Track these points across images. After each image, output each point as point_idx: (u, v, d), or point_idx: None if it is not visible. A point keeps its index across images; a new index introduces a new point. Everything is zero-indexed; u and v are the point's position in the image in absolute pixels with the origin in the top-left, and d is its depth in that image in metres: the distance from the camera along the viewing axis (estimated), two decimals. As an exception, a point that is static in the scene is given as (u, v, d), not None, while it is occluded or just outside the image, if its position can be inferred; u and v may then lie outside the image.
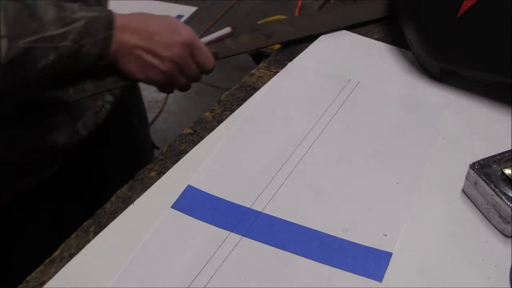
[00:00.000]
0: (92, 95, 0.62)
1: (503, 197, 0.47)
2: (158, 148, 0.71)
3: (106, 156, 0.75)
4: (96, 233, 0.50)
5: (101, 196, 0.56)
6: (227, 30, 0.67)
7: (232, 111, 0.63)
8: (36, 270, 0.48)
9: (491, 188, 0.48)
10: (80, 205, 0.63)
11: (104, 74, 0.61)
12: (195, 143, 0.59)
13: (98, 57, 0.57)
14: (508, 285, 0.44)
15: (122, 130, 0.78)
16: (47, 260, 0.49)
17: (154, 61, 0.60)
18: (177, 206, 0.52)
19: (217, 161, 0.57)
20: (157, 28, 0.60)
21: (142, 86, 0.75)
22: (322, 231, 0.49)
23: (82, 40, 0.55)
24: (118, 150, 0.77)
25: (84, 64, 0.57)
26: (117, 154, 0.77)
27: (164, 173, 0.56)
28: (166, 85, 0.64)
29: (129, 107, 0.79)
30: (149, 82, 0.62)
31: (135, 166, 0.59)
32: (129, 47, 0.58)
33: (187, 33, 0.61)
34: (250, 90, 0.66)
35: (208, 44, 0.66)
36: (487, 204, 0.49)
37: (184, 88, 0.65)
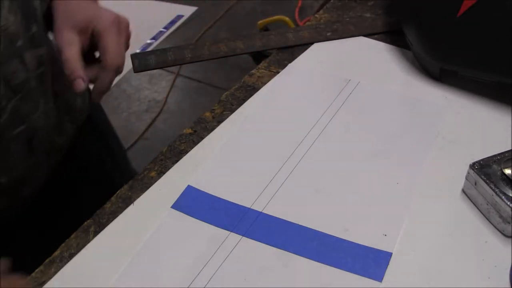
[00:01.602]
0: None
1: (503, 197, 0.47)
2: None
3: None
4: (96, 233, 0.50)
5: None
6: None
7: (232, 111, 0.63)
8: (36, 270, 0.48)
9: (491, 188, 0.48)
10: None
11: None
12: (195, 143, 0.59)
13: None
14: (508, 285, 0.44)
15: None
16: (47, 260, 0.49)
17: None
18: (177, 206, 0.52)
19: (217, 161, 0.57)
20: None
21: (143, 85, 0.75)
22: (322, 231, 0.49)
23: None
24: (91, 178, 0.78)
25: None
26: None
27: (164, 173, 0.56)
28: None
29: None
30: None
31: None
32: None
33: None
34: (250, 90, 0.66)
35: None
36: (487, 204, 0.49)
37: None
